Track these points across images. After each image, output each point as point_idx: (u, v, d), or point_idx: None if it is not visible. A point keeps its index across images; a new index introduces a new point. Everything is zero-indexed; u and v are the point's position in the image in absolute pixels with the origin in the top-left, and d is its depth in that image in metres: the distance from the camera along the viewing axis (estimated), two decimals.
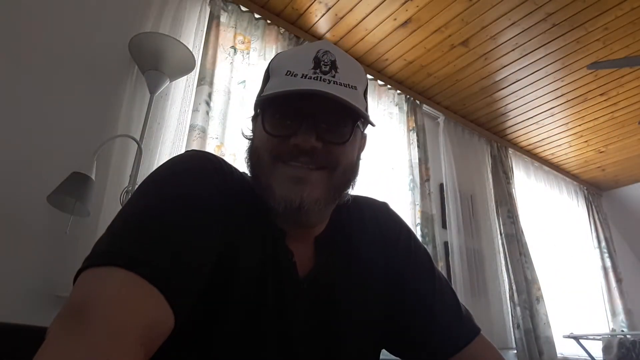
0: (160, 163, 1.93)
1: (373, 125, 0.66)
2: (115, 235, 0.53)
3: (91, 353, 0.37)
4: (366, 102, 0.67)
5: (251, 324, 0.58)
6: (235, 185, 0.64)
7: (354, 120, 0.62)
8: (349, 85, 0.60)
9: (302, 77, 0.59)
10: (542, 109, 3.21)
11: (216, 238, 0.56)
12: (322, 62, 0.60)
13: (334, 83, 0.59)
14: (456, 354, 0.70)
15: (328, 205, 0.65)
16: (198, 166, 0.61)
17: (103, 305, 0.42)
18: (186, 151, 0.67)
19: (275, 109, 0.61)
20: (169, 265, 0.48)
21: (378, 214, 0.78)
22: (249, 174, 0.67)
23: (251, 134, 0.68)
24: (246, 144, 0.68)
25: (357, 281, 0.68)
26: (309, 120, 0.59)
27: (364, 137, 0.71)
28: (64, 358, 0.37)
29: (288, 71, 0.60)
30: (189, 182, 0.58)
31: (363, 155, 0.71)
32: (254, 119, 0.67)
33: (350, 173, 0.65)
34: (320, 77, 0.59)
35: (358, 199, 0.76)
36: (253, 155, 0.65)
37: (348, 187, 0.67)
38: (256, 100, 0.65)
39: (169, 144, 1.83)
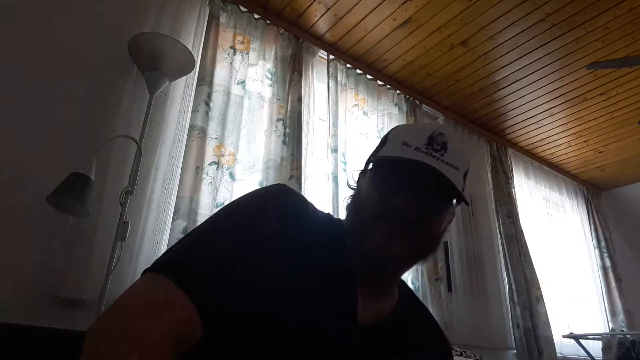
0: (160, 163, 1.93)
1: (467, 204, 0.73)
2: (168, 249, 0.63)
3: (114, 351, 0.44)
4: (464, 183, 0.74)
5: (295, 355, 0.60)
6: (316, 224, 0.72)
7: (450, 197, 0.70)
8: (453, 165, 0.68)
9: (415, 149, 0.67)
10: (541, 109, 3.21)
11: (271, 267, 0.61)
12: (435, 142, 0.69)
13: (441, 161, 0.67)
14: None
15: (408, 267, 0.75)
16: (274, 200, 0.69)
17: (133, 304, 0.50)
18: (277, 184, 0.76)
19: (387, 170, 0.70)
20: (200, 276, 0.54)
21: (433, 330, 0.84)
22: (342, 219, 0.76)
23: (355, 186, 0.77)
24: (349, 192, 0.79)
25: (407, 352, 0.73)
26: (414, 187, 0.67)
27: (453, 213, 0.77)
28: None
29: (404, 142, 0.69)
30: (252, 212, 0.66)
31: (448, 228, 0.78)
32: (363, 173, 0.76)
33: (435, 244, 0.73)
34: (432, 154, 0.67)
35: (416, 299, 0.86)
36: (357, 204, 0.74)
37: (429, 256, 0.74)
38: (370, 158, 0.75)
39: (169, 144, 1.84)
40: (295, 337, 0.60)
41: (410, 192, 0.67)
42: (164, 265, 0.56)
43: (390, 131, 0.77)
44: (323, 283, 0.66)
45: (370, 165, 0.74)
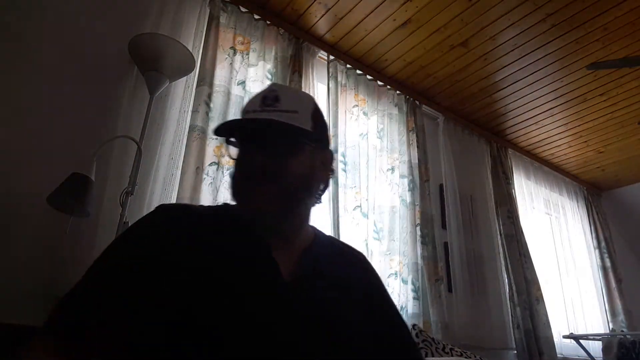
0: (160, 164, 1.93)
1: (325, 144, 0.82)
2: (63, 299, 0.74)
3: None
4: (315, 122, 0.79)
5: (228, 320, 0.63)
6: (205, 216, 0.80)
7: (293, 137, 0.76)
8: (289, 110, 0.75)
9: (253, 112, 0.76)
10: (541, 109, 3.21)
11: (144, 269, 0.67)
12: (268, 99, 0.76)
13: (275, 111, 0.74)
14: None
15: (286, 211, 0.76)
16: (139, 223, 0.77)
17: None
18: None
19: (231, 137, 0.79)
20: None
21: (356, 258, 0.90)
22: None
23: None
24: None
25: (336, 294, 0.76)
26: (253, 141, 0.75)
27: (324, 152, 0.84)
28: None
29: (244, 110, 0.79)
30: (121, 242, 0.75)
31: (323, 171, 0.84)
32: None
33: (302, 183, 0.77)
34: (264, 109, 0.75)
35: (337, 240, 0.95)
36: (231, 177, 0.81)
37: (304, 195, 0.79)
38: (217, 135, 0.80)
39: (169, 145, 1.84)
40: (228, 325, 0.63)
41: (251, 146, 0.75)
42: (48, 326, 0.69)
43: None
44: (235, 259, 0.70)
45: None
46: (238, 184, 0.77)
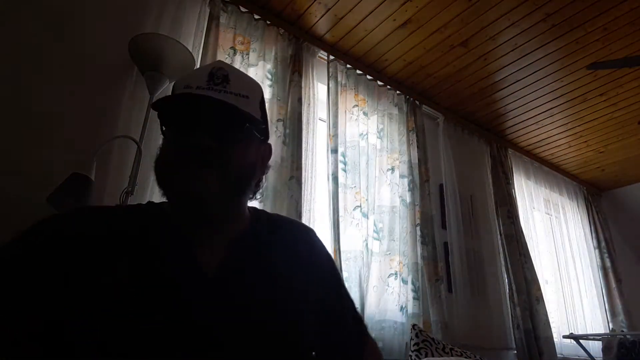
0: None
1: (267, 137, 0.78)
2: None
3: None
4: (263, 113, 0.75)
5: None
6: (116, 214, 0.73)
7: (244, 124, 0.69)
8: (240, 94, 0.69)
9: (197, 89, 0.67)
10: (541, 110, 3.21)
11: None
12: (215, 76, 0.69)
13: (225, 92, 0.68)
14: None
15: (225, 201, 0.70)
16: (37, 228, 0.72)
17: None
18: None
19: (171, 114, 0.69)
20: None
21: (302, 235, 0.84)
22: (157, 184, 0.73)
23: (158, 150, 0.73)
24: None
25: (268, 283, 0.71)
26: (200, 122, 0.67)
27: (265, 146, 0.79)
28: None
29: (186, 85, 0.69)
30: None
31: (270, 163, 0.81)
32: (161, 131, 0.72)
33: (245, 173, 0.72)
34: (213, 87, 0.68)
35: (282, 218, 0.86)
36: (158, 158, 0.72)
37: (245, 187, 0.73)
38: (154, 109, 0.71)
39: None
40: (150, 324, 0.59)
41: (196, 128, 0.66)
42: None
43: (175, 82, 0.75)
44: (151, 261, 0.64)
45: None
46: (173, 165, 0.68)
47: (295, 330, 0.68)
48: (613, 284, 3.82)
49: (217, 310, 0.63)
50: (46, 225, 0.73)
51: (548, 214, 3.81)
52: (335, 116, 2.39)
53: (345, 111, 2.51)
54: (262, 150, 0.78)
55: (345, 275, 2.13)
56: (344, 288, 0.85)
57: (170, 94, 0.74)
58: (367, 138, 2.54)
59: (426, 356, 1.96)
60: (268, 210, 1.93)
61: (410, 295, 2.35)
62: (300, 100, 2.24)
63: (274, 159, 2.04)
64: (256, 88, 0.77)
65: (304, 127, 2.21)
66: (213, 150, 0.66)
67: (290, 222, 0.87)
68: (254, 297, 0.67)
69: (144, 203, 0.79)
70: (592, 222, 4.10)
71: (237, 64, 2.13)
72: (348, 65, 2.63)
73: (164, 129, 0.71)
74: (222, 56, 2.08)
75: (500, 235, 3.09)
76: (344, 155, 2.37)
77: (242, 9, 2.26)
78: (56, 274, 0.61)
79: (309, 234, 0.85)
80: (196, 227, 0.70)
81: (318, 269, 0.81)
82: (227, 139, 0.68)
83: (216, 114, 0.67)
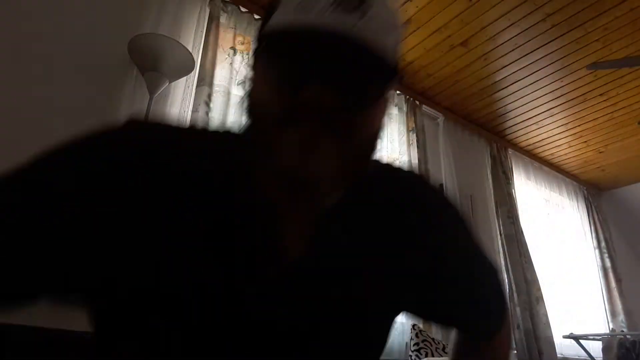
0: None
1: (401, 80, 0.54)
2: None
3: None
4: (398, 50, 0.50)
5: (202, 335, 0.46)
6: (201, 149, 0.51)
7: (382, 75, 0.47)
8: (380, 29, 0.44)
9: (319, 12, 0.42)
10: (541, 109, 3.21)
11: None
12: None
13: (361, 24, 0.42)
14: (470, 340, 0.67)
15: (340, 187, 0.50)
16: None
17: None
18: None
19: (284, 50, 0.45)
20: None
21: (406, 190, 0.61)
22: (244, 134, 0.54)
23: (249, 84, 0.51)
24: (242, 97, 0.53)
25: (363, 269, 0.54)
26: (328, 69, 0.43)
27: (388, 99, 0.53)
28: None
29: (301, 3, 0.43)
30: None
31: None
32: (256, 57, 0.51)
33: (372, 147, 0.51)
34: (344, 16, 0.42)
35: (387, 166, 0.62)
36: (252, 106, 0.50)
37: (366, 164, 0.52)
38: (257, 39, 0.50)
39: None
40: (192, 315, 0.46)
41: (322, 77, 0.43)
42: None
43: None
44: (218, 225, 0.48)
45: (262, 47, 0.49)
46: (279, 123, 0.45)
47: (384, 329, 0.57)
48: (613, 284, 3.82)
49: (296, 307, 0.49)
50: (101, 147, 0.51)
51: (548, 214, 3.81)
52: None
53: None
54: (386, 107, 0.53)
55: None
56: (478, 250, 0.64)
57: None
58: None
59: (426, 356, 1.96)
60: None
61: None
62: None
63: None
64: (398, 19, 0.52)
65: None
66: (335, 112, 0.44)
67: (397, 179, 0.61)
68: (344, 290, 0.52)
69: (222, 131, 0.57)
70: (592, 222, 4.10)
71: (237, 64, 2.13)
72: None
73: (261, 60, 0.49)
74: (222, 56, 2.08)
75: (500, 235, 3.09)
76: None
77: (242, 9, 2.26)
78: (112, 220, 0.46)
79: (417, 187, 0.63)
80: (287, 198, 0.50)
81: (435, 236, 0.60)
82: (357, 97, 0.45)
83: (346, 58, 0.43)
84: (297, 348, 0.49)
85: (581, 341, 3.11)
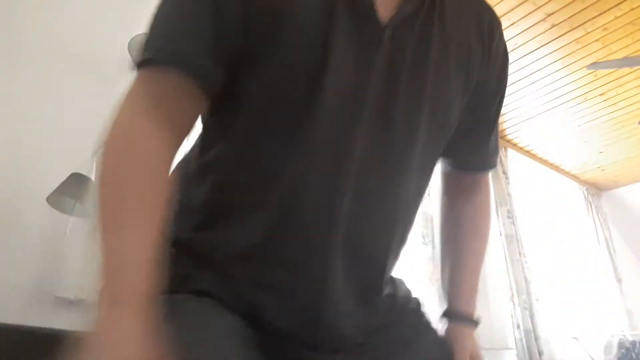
0: None
1: None
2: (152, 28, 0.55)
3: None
4: None
5: (313, 83, 0.50)
6: None
7: None
8: None
9: None
10: (542, 109, 3.21)
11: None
12: None
13: None
14: (464, 174, 0.75)
15: None
16: None
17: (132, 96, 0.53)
18: None
19: None
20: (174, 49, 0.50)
21: (484, 10, 0.66)
22: None
23: None
24: None
25: (442, 51, 0.58)
26: None
27: None
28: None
29: None
30: None
31: None
32: None
33: None
34: None
35: None
36: None
37: None
38: None
39: None
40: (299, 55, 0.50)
41: None
42: (159, 54, 0.50)
43: None
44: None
45: None
46: None
47: (451, 120, 0.62)
48: (613, 284, 3.82)
49: (382, 72, 0.53)
50: None
51: (548, 214, 3.81)
52: None
53: None
54: None
55: None
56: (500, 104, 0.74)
57: None
58: None
59: None
60: None
61: None
62: None
63: None
64: None
65: None
66: None
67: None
68: (425, 70, 0.56)
69: None
70: (592, 222, 4.10)
71: None
72: None
73: None
74: None
75: (500, 235, 3.10)
76: None
77: None
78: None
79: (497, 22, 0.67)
80: None
81: (493, 63, 0.67)
82: None
83: None
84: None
85: (581, 341, 3.11)
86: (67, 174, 1.42)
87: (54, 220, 1.48)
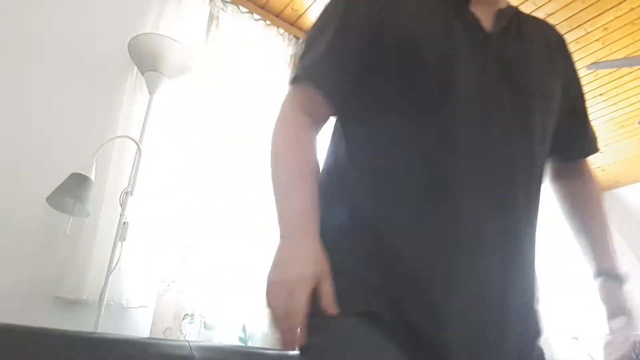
0: (160, 164, 1.93)
1: None
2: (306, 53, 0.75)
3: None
4: None
5: (444, 78, 0.65)
6: None
7: None
8: None
9: None
10: None
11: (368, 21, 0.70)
12: None
13: None
14: (570, 161, 0.87)
15: None
16: None
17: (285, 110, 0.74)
18: None
19: None
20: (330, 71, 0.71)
21: (551, 29, 0.85)
22: None
23: None
24: None
25: (534, 49, 0.75)
26: None
27: None
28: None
29: None
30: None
31: None
32: None
33: None
34: None
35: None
36: None
37: None
38: None
39: (169, 145, 1.84)
40: (431, 58, 0.66)
41: None
42: (302, 75, 0.72)
43: None
44: (438, 10, 0.69)
45: None
46: None
47: (553, 106, 0.74)
48: None
49: (501, 64, 0.68)
50: None
51: (548, 214, 3.81)
52: None
53: None
54: None
55: None
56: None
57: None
58: None
59: None
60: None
61: None
62: None
63: None
64: None
65: None
66: None
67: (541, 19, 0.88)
68: (529, 61, 0.71)
69: None
70: None
71: (237, 64, 2.13)
72: None
73: None
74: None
75: None
76: None
77: (242, 9, 2.26)
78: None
79: (560, 34, 0.86)
80: None
81: (569, 64, 0.83)
82: None
83: None
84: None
85: (581, 341, 3.10)
86: (67, 174, 1.42)
87: (54, 220, 1.48)
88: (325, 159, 0.75)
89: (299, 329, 0.52)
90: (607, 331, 0.77)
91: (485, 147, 0.63)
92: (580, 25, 2.43)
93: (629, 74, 2.82)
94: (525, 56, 0.71)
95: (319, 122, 0.73)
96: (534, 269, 0.68)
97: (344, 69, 0.70)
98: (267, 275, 0.57)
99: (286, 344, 0.53)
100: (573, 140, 0.83)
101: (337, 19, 0.72)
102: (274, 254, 0.58)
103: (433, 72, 0.65)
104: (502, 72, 0.67)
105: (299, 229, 0.60)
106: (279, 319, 0.54)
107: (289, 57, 2.34)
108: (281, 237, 0.60)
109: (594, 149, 0.86)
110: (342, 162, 0.72)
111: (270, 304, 0.55)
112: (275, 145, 0.69)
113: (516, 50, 0.71)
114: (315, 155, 0.70)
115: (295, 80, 0.73)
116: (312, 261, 0.56)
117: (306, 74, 0.72)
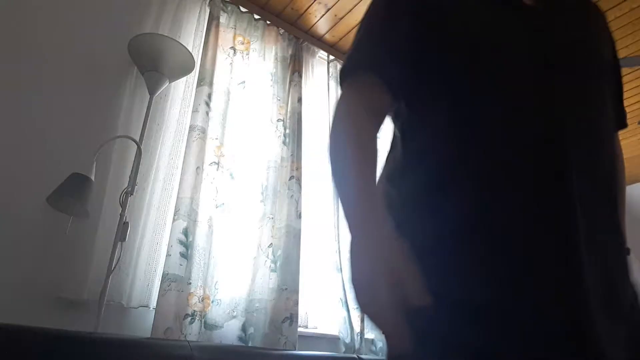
0: (160, 164, 1.94)
1: None
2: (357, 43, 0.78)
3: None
4: None
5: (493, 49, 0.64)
6: None
7: None
8: None
9: None
10: None
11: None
12: None
13: None
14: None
15: None
16: None
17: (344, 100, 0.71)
18: None
19: None
20: (385, 59, 0.70)
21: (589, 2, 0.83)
22: None
23: None
24: None
25: (575, 17, 0.74)
26: None
27: None
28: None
29: None
30: None
31: None
32: None
33: None
34: None
35: None
36: None
37: None
38: None
39: (169, 145, 1.84)
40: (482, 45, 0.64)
41: None
42: (357, 65, 0.73)
43: None
44: None
45: None
46: None
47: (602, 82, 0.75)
48: None
49: (544, 40, 0.66)
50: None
51: None
52: None
53: None
54: None
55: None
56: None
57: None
58: None
59: None
60: (268, 211, 1.94)
61: None
62: (300, 100, 2.24)
63: (273, 159, 2.05)
64: None
65: (303, 126, 2.21)
66: None
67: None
68: (574, 36, 0.70)
69: None
70: None
71: (237, 64, 2.13)
72: None
73: None
74: (222, 56, 2.09)
75: None
76: None
77: (242, 9, 2.26)
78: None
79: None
80: None
81: (611, 37, 0.85)
82: None
83: None
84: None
85: None
86: (67, 174, 1.42)
87: (54, 220, 1.48)
88: (386, 169, 0.73)
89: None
90: None
91: (580, 135, 0.62)
92: None
93: (629, 74, 2.82)
94: (574, 28, 0.71)
95: (380, 117, 0.70)
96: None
97: (401, 56, 0.69)
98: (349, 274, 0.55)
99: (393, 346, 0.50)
100: (612, 109, 0.85)
101: (384, 8, 0.74)
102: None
103: (485, 53, 0.64)
104: (555, 49, 0.66)
105: (372, 217, 0.57)
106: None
107: (289, 57, 2.34)
108: (355, 227, 0.57)
109: (625, 124, 0.88)
110: (408, 169, 0.68)
111: (358, 302, 0.53)
112: (337, 154, 0.64)
113: (563, 22, 0.70)
114: (374, 150, 0.66)
115: (349, 73, 0.72)
116: (388, 247, 0.54)
117: (363, 63, 0.71)
